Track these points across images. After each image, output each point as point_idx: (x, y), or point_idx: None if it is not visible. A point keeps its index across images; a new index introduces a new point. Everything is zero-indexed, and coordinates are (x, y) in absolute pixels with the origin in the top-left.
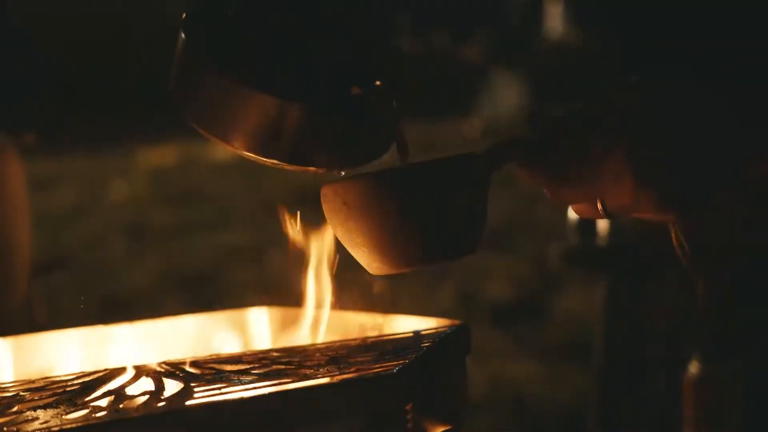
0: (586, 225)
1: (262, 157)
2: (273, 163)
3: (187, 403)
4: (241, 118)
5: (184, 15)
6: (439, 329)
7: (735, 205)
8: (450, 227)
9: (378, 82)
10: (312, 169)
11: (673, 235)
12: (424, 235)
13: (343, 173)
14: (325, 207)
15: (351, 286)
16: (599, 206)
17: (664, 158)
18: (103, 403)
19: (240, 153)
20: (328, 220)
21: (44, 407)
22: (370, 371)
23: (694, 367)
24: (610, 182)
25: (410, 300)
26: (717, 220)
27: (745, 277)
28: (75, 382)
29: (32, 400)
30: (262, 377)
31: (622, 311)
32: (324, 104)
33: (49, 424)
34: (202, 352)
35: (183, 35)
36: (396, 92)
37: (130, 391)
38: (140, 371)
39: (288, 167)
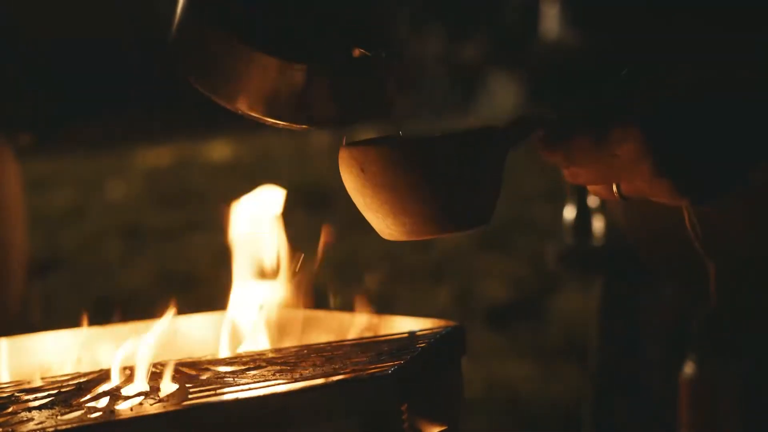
0: (582, 225)
1: (264, 116)
2: (273, 122)
3: (183, 403)
4: (243, 78)
5: None
6: (435, 330)
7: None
8: (466, 198)
9: (378, 48)
10: (305, 127)
11: (686, 217)
12: (440, 204)
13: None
14: (342, 170)
15: (348, 287)
16: (614, 189)
17: (682, 147)
18: (99, 404)
19: (242, 113)
20: (345, 183)
21: (39, 408)
22: (366, 372)
23: (689, 368)
24: (627, 167)
25: (406, 300)
26: (730, 207)
27: (748, 273)
28: (70, 382)
29: (27, 400)
30: (257, 378)
31: (618, 312)
32: (326, 65)
33: (44, 425)
34: (198, 353)
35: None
36: (395, 59)
37: (125, 392)
38: (135, 372)
39: (287, 126)
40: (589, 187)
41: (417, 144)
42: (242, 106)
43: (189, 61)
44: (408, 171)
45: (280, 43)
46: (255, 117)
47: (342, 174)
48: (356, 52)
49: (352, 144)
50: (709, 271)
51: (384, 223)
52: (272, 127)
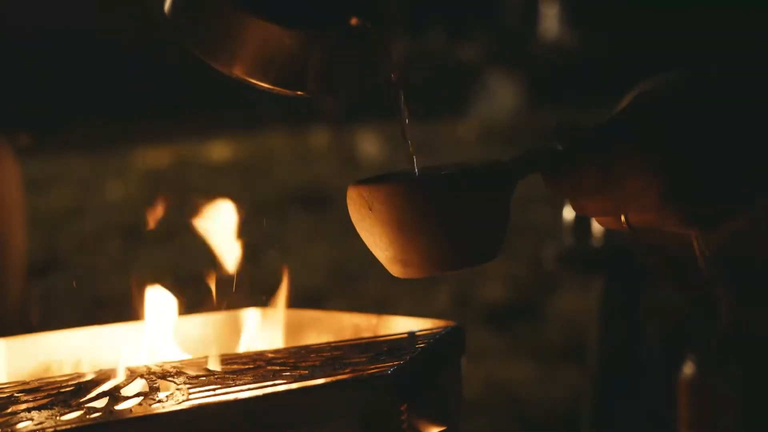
0: (582, 226)
1: (258, 81)
2: (268, 88)
3: (182, 404)
4: (240, 44)
5: None
6: (434, 330)
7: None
8: (475, 235)
9: (375, 19)
10: (300, 93)
11: (695, 244)
12: (449, 242)
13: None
14: (350, 207)
15: (347, 287)
16: (622, 219)
17: (690, 176)
18: (98, 404)
19: (237, 76)
20: (353, 220)
21: (39, 408)
22: (365, 372)
23: (688, 369)
24: (635, 197)
25: (406, 301)
26: (738, 233)
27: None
28: (69, 383)
29: (27, 401)
30: (256, 378)
31: (618, 312)
32: (323, 33)
33: (43, 425)
34: (197, 353)
35: None
36: (390, 31)
37: (124, 392)
38: (135, 372)
39: (280, 91)
40: (596, 219)
41: (424, 182)
42: (239, 72)
43: (186, 27)
44: (416, 209)
45: (277, 9)
46: (251, 83)
47: (350, 211)
48: (353, 21)
49: (360, 181)
50: (718, 295)
51: (394, 261)
52: (269, 92)
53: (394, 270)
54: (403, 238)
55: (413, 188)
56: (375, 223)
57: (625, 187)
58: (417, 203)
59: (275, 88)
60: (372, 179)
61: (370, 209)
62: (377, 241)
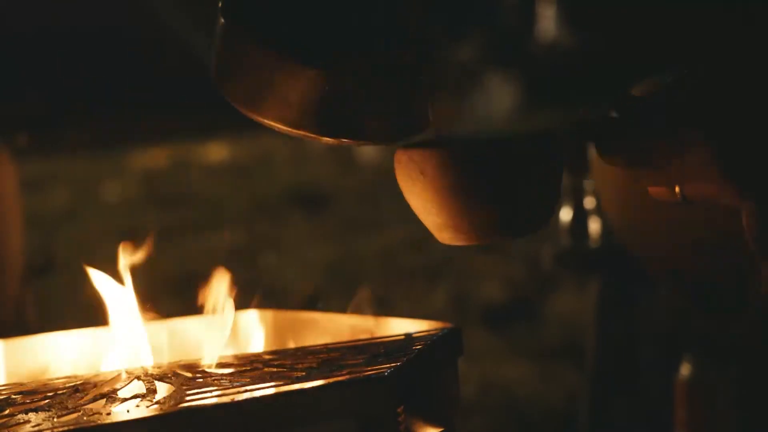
0: (579, 227)
1: (302, 131)
2: (325, 141)
3: (179, 406)
4: (287, 93)
5: (220, 4)
6: (431, 332)
7: None
8: (528, 203)
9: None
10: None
11: (744, 219)
12: (500, 209)
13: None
14: (398, 173)
15: (344, 288)
16: (677, 191)
17: (753, 149)
18: (95, 406)
19: (283, 130)
20: (402, 186)
21: (36, 410)
22: (362, 374)
23: (685, 369)
24: (694, 170)
25: (403, 302)
26: None
27: None
28: (67, 385)
29: (24, 403)
30: (253, 380)
31: (615, 313)
32: (348, 69)
33: (40, 427)
34: (193, 355)
35: (222, 20)
36: (432, 70)
37: (121, 394)
38: (132, 374)
39: (339, 142)
40: (650, 189)
41: (479, 148)
42: (283, 123)
43: (235, 88)
44: (469, 175)
45: (319, 53)
46: (299, 134)
47: (399, 176)
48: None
49: (410, 145)
50: (762, 272)
51: (442, 228)
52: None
53: (443, 237)
54: (455, 204)
55: (467, 153)
56: (426, 188)
57: (686, 159)
58: (470, 169)
59: (323, 138)
60: (422, 143)
61: (422, 174)
62: (427, 206)
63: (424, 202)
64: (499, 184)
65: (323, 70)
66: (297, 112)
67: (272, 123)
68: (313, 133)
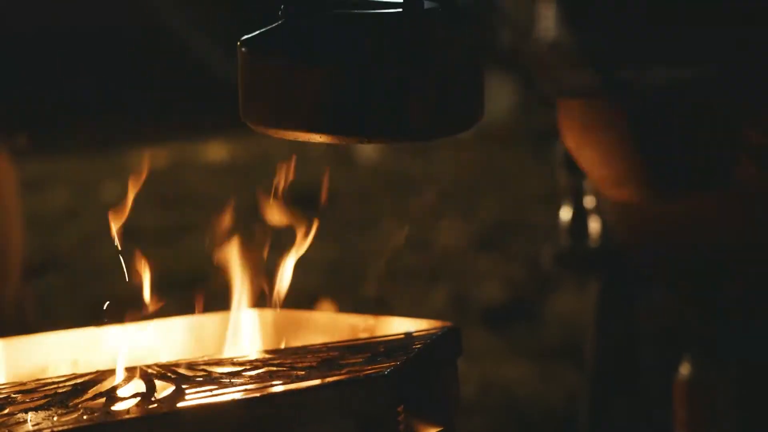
0: (578, 227)
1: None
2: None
3: (179, 405)
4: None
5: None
6: (431, 331)
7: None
8: (699, 161)
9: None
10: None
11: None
12: (677, 164)
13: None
14: (569, 125)
15: (344, 288)
16: None
17: None
18: (95, 405)
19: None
20: (574, 139)
21: (35, 409)
22: (362, 373)
23: (685, 369)
24: None
25: (403, 301)
26: None
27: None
28: (66, 383)
29: (24, 402)
30: (253, 379)
31: (614, 313)
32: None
33: (40, 426)
34: (194, 355)
35: (244, 50)
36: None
37: (121, 393)
38: (132, 373)
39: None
40: None
41: (664, 103)
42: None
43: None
44: (648, 128)
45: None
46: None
47: (569, 129)
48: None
49: (573, 94)
50: None
51: (614, 182)
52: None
53: (614, 192)
54: (630, 156)
55: (648, 108)
56: (603, 140)
57: None
58: (651, 122)
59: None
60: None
61: (604, 125)
62: (602, 158)
63: (599, 154)
64: (673, 140)
65: (357, 68)
66: (337, 115)
67: (313, 135)
68: (358, 136)
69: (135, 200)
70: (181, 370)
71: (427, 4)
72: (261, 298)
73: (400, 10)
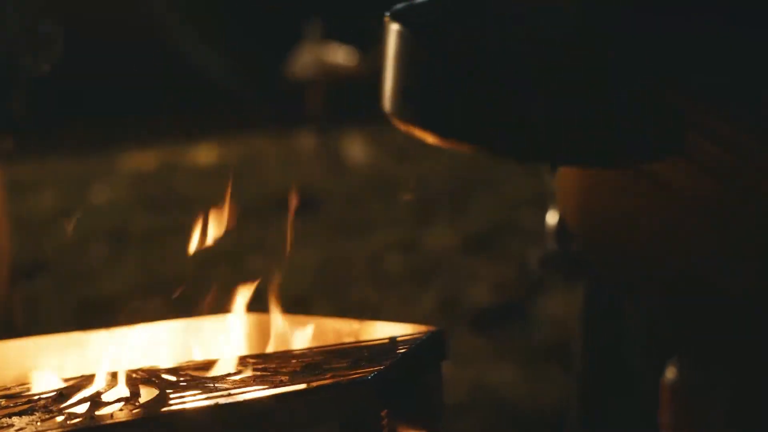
0: (566, 230)
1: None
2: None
3: (163, 409)
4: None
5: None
6: (416, 335)
7: None
8: None
9: None
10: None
11: None
12: None
13: None
14: None
15: (333, 291)
16: None
17: None
18: (79, 409)
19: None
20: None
21: (19, 414)
22: (346, 377)
23: (671, 372)
24: None
25: (391, 305)
26: None
27: None
28: (51, 388)
29: (8, 407)
30: (237, 384)
31: (601, 315)
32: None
33: (24, 431)
34: (179, 359)
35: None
36: None
37: (105, 397)
38: (116, 378)
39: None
40: None
41: None
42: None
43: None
44: None
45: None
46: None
47: None
48: None
49: None
50: None
51: None
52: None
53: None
54: None
55: None
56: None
57: None
58: None
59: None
60: None
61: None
62: None
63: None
64: None
65: None
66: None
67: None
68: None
69: (124, 203)
70: (166, 375)
71: None
72: (247, 302)
73: None
